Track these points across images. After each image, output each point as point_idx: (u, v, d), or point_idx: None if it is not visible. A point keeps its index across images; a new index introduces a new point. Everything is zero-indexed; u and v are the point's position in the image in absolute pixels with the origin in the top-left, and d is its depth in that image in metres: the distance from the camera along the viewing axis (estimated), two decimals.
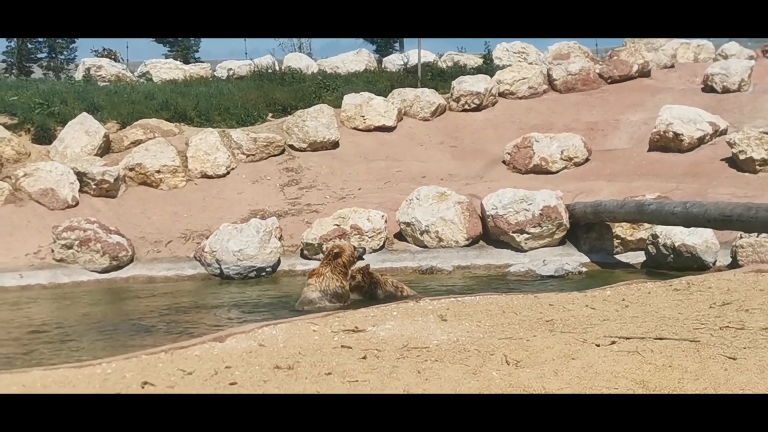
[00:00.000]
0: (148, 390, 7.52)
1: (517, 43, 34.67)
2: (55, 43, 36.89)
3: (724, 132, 25.08)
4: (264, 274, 19.59)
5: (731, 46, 34.02)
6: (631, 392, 6.94)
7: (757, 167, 22.66)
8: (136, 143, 25.47)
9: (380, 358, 8.43)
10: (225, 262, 19.63)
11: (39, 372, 8.42)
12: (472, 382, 7.46)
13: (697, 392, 6.79)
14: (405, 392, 7.17)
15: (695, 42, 34.60)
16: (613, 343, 8.59)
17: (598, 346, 8.53)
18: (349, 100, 28.70)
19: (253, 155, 25.85)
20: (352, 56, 35.19)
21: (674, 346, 8.35)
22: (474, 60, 34.34)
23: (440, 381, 7.53)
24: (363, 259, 15.81)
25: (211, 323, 14.06)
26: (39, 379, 8.04)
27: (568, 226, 20.12)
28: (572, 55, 32.85)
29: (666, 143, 24.86)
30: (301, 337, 9.45)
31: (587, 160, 25.13)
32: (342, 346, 8.96)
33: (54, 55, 37.32)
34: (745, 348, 8.09)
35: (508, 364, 8.03)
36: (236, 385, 7.59)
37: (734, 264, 17.62)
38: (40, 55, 37.48)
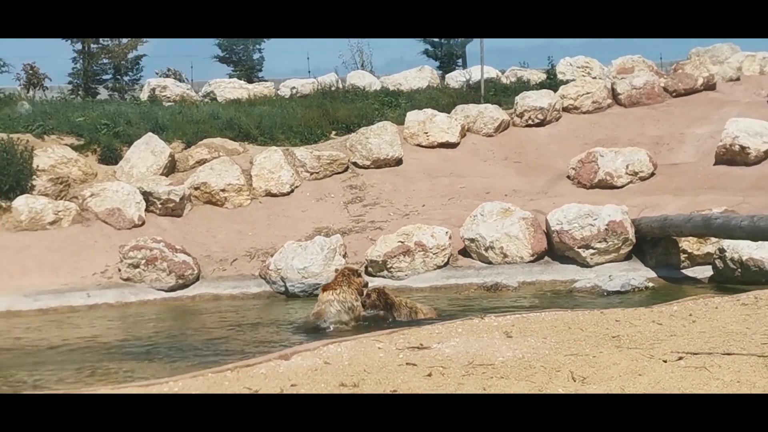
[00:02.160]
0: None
1: (581, 58, 34.47)
2: (120, 65, 37.25)
3: None
4: None
5: None
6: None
7: None
8: (201, 162, 25.62)
9: (445, 376, 8.42)
10: (290, 279, 19.68)
11: (106, 391, 8.49)
12: None
13: None
14: None
15: (761, 54, 34.21)
16: (681, 358, 8.53)
17: (665, 361, 8.47)
18: (412, 116, 28.67)
19: (316, 173, 25.90)
20: (415, 73, 35.15)
21: (742, 362, 8.27)
22: (537, 75, 34.18)
23: None
24: (364, 293, 15.79)
25: (277, 341, 14.11)
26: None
27: (634, 240, 19.97)
28: (636, 69, 32.61)
29: (732, 156, 24.63)
30: (366, 354, 9.46)
31: (653, 174, 24.91)
32: (407, 364, 8.97)
33: (119, 77, 37.68)
34: None
35: (575, 381, 8.00)
36: None
37: None
38: (105, 77, 37.87)
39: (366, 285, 15.90)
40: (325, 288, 15.37)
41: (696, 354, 8.66)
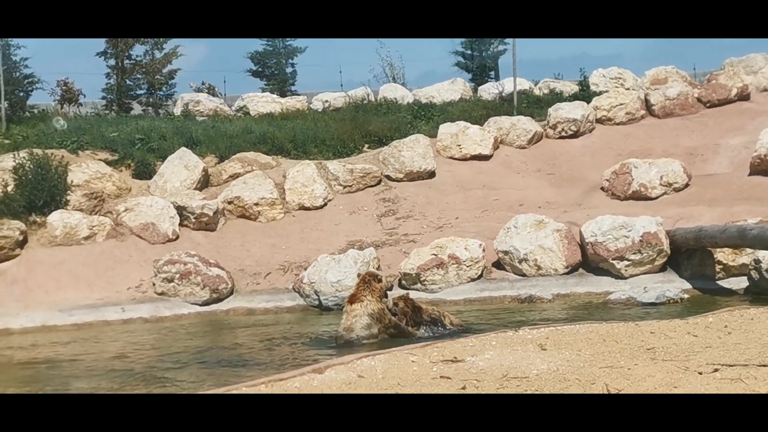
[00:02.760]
0: None
1: (614, 69, 34.33)
2: (154, 80, 37.29)
3: None
4: None
5: None
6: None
7: None
8: (235, 177, 25.69)
9: (480, 389, 8.40)
10: (323, 293, 19.69)
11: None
12: None
13: None
14: None
15: None
16: (716, 370, 8.47)
17: (700, 374, 8.42)
18: (445, 129, 28.64)
19: (349, 186, 25.92)
20: (447, 85, 35.13)
21: None
22: (570, 87, 34.07)
23: None
24: (389, 293, 15.77)
25: (310, 354, 14.10)
26: None
27: (668, 252, 19.86)
28: (670, 80, 32.47)
29: (767, 167, 24.46)
30: (400, 368, 9.44)
31: (687, 185, 24.76)
32: (441, 377, 8.95)
33: (153, 92, 37.74)
34: None
35: (610, 394, 7.94)
36: None
37: None
38: (139, 92, 37.95)
39: (390, 288, 15.89)
40: (351, 300, 15.24)
41: (731, 366, 8.60)
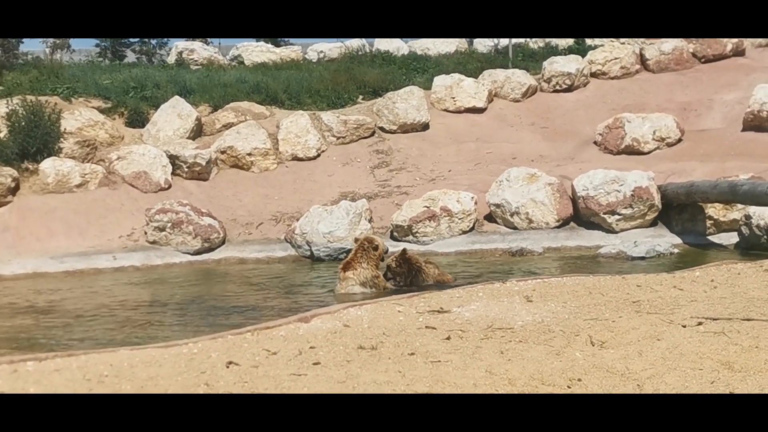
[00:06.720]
0: (233, 369, 7.59)
1: None
2: None
3: None
4: None
5: None
6: (715, 372, 6.89)
7: None
8: (228, 126, 25.65)
9: (464, 339, 8.45)
10: (315, 243, 19.72)
11: (126, 351, 8.55)
12: (555, 363, 7.45)
13: None
14: (487, 372, 7.18)
15: None
16: (700, 323, 8.54)
17: (684, 326, 8.48)
18: (440, 81, 28.59)
19: (343, 137, 25.90)
20: None
21: (761, 327, 8.27)
22: (565, 40, 33.99)
23: (523, 362, 7.53)
24: (384, 259, 15.70)
25: (298, 304, 14.14)
26: (126, 358, 8.15)
27: (659, 207, 19.90)
28: None
29: (760, 123, 24.46)
30: (386, 317, 9.49)
31: (680, 140, 24.79)
32: (426, 327, 9.00)
33: (147, 39, 37.62)
34: None
35: (593, 345, 8.02)
36: (320, 365, 7.65)
37: None
38: (133, 40, 37.82)
39: (386, 252, 15.79)
40: (345, 267, 15.17)
41: (715, 319, 8.66)
